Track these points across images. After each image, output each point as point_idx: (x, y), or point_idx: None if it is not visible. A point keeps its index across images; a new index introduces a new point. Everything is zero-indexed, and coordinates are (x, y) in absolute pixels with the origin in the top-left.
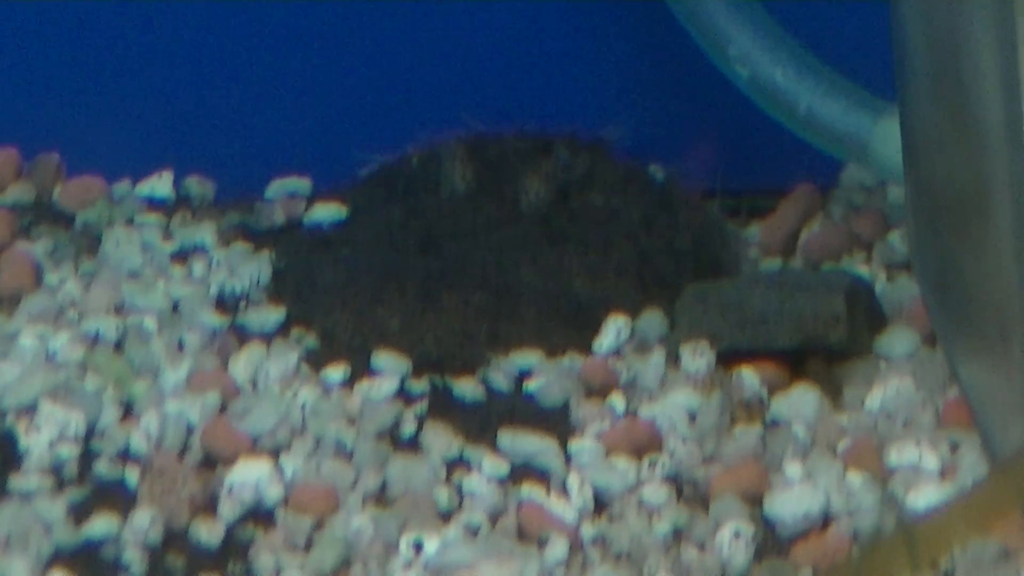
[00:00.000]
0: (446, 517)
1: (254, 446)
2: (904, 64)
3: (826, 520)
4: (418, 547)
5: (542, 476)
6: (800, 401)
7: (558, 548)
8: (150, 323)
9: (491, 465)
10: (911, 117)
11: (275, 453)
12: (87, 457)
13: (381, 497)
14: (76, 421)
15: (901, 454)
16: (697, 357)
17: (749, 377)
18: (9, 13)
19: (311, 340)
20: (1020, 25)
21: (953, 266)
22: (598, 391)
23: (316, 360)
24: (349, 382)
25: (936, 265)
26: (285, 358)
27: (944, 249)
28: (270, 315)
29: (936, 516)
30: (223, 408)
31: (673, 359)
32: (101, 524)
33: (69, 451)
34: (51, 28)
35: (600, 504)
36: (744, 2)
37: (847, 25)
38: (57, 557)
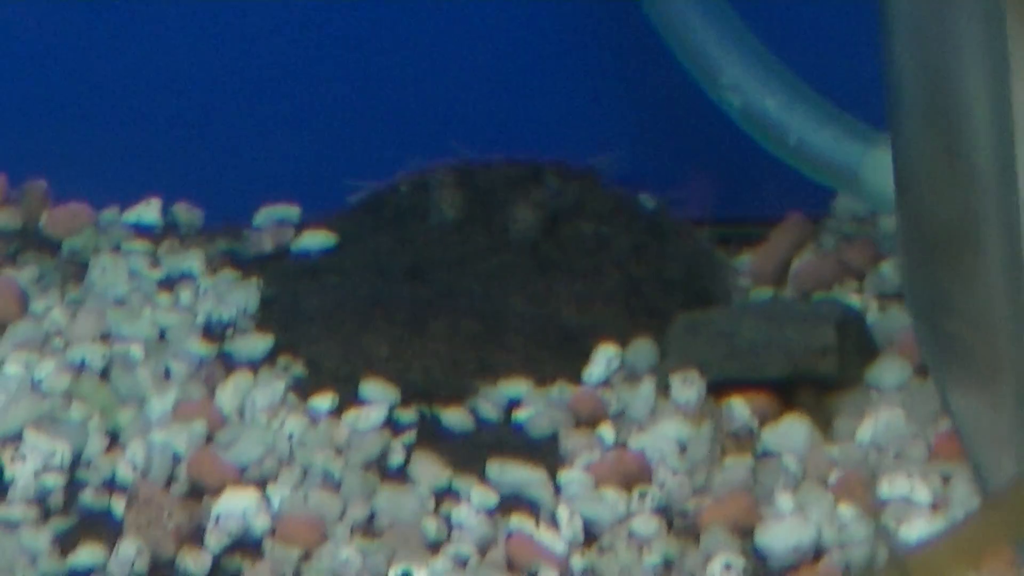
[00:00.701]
0: (434, 548)
1: (241, 476)
2: (895, 97)
3: (817, 552)
4: None
5: (531, 507)
6: (790, 432)
7: None
8: (136, 351)
9: (480, 496)
10: (902, 150)
11: (262, 483)
12: (72, 487)
13: (369, 528)
14: (61, 451)
15: (892, 486)
16: (687, 387)
17: (739, 408)
18: None
19: (298, 369)
20: (1012, 60)
21: (944, 298)
22: (587, 421)
23: (303, 389)
24: (336, 411)
25: (927, 297)
26: (272, 387)
27: (935, 281)
28: (257, 343)
29: (926, 549)
30: (209, 438)
31: (663, 389)
32: (87, 555)
33: (54, 481)
34: (38, 55)
35: (590, 536)
36: (736, 31)
37: (839, 50)
38: None
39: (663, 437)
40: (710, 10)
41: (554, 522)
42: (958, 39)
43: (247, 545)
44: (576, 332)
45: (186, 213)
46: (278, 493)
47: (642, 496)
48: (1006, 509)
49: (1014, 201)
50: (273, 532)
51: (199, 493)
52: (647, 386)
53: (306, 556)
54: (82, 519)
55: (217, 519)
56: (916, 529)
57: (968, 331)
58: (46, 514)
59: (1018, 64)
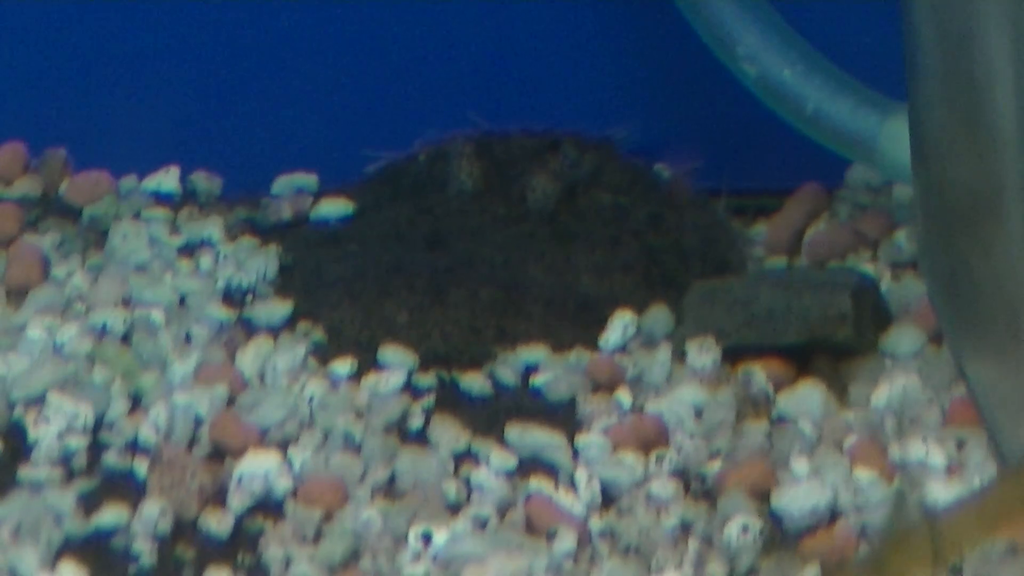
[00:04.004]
0: (455, 510)
1: (262, 439)
2: (915, 65)
3: (833, 515)
4: (427, 539)
5: (550, 470)
6: (806, 398)
7: (566, 541)
8: (157, 316)
9: (499, 459)
10: (922, 118)
11: (283, 446)
12: (96, 449)
13: (390, 490)
14: (84, 413)
15: (907, 451)
16: (703, 354)
17: (756, 374)
18: (17, 11)
19: (318, 334)
20: None
21: (963, 266)
22: (605, 386)
23: (323, 354)
24: (356, 376)
25: (945, 265)
26: (292, 352)
27: (954, 249)
28: (277, 309)
29: (952, 514)
30: (231, 401)
31: (679, 356)
32: (110, 515)
33: (78, 443)
34: (58, 25)
35: (608, 498)
36: (752, 1)
37: (856, 24)
38: (67, 547)
39: (680, 402)
40: None
41: (572, 485)
42: (981, 9)
43: (269, 506)
44: (594, 301)
45: (205, 181)
46: (300, 455)
47: (659, 460)
48: None
49: None
50: (295, 493)
51: (221, 455)
52: (664, 352)
53: (327, 517)
54: (105, 480)
55: (239, 480)
56: (932, 493)
57: (986, 298)
58: (70, 475)
59: None
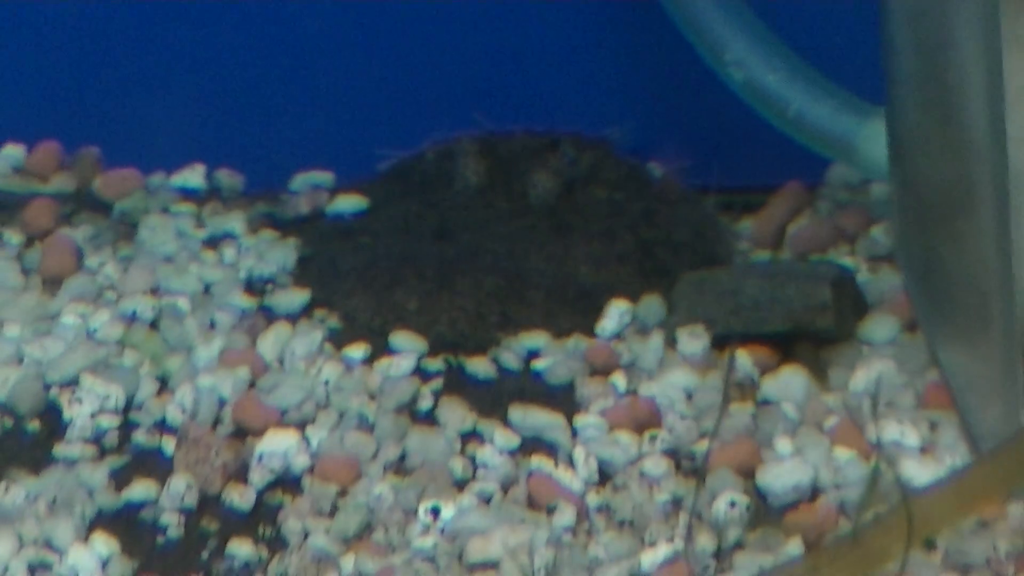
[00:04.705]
0: (461, 486)
1: (282, 419)
2: (893, 68)
3: (814, 492)
4: (435, 513)
5: (550, 449)
6: (789, 382)
7: (566, 515)
8: (183, 304)
9: (502, 438)
10: (898, 118)
11: (301, 426)
12: (126, 428)
13: (400, 467)
14: (115, 394)
15: (884, 432)
16: (693, 340)
17: (742, 360)
18: (51, 15)
19: (334, 321)
20: (1005, 31)
21: (937, 258)
22: (601, 371)
23: (338, 340)
24: (369, 360)
25: (920, 257)
26: (310, 338)
27: (928, 242)
28: (295, 298)
29: (930, 495)
30: (252, 383)
31: (671, 342)
32: (140, 489)
33: (109, 422)
34: (92, 32)
35: (604, 475)
36: (739, 10)
37: (837, 30)
38: (99, 519)
39: (672, 386)
40: None
41: (571, 463)
42: (954, 13)
43: (288, 482)
44: (591, 289)
45: (228, 178)
46: (316, 434)
47: (652, 439)
48: (1006, 461)
49: (1004, 167)
50: (312, 470)
51: (243, 434)
52: (656, 339)
53: (342, 492)
54: (135, 457)
55: (260, 458)
56: (906, 471)
57: (959, 289)
58: (102, 452)
59: (1010, 36)
